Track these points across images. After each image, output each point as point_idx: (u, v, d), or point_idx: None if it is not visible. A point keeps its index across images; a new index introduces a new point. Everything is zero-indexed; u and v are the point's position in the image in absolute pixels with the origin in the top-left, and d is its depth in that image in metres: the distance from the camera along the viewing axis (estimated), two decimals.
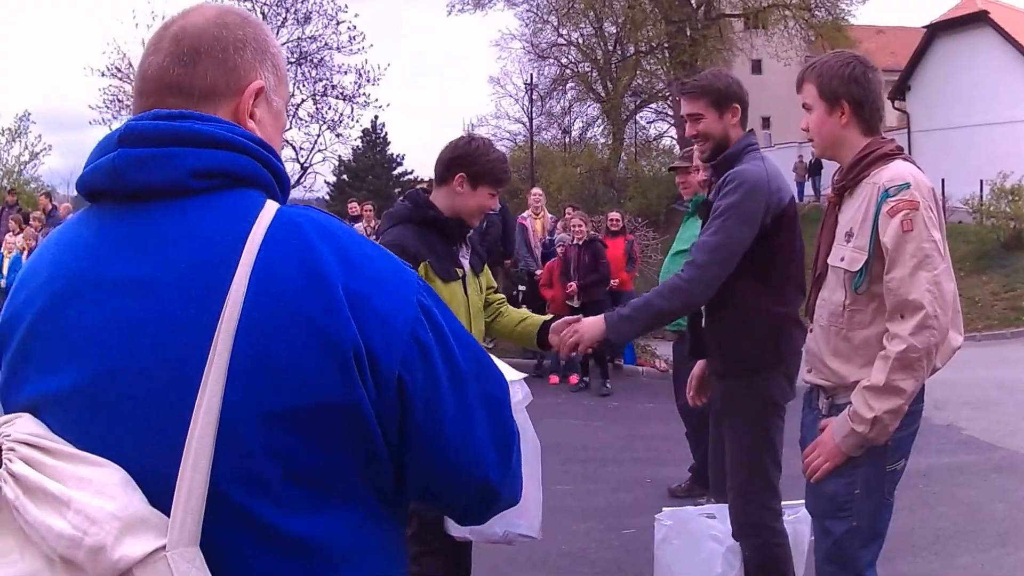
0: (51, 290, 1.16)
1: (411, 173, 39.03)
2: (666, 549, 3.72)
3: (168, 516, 1.02)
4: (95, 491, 1.02)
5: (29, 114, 32.59)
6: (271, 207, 1.14)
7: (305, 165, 25.72)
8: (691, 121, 3.34)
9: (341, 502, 1.13)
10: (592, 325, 3.13)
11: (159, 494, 1.03)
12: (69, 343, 1.13)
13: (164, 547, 1.01)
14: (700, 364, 3.62)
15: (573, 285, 9.52)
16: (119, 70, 23.95)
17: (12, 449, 1.06)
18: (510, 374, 1.44)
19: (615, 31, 29.27)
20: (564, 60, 30.77)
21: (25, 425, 1.10)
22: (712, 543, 3.50)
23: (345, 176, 36.66)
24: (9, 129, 31.71)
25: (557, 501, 5.39)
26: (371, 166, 38.42)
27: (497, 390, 1.27)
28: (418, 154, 63.34)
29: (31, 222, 15.18)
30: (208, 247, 1.10)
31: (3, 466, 1.05)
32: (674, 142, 30.90)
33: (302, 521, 1.10)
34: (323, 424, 1.09)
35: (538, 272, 10.63)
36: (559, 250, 10.04)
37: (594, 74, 30.40)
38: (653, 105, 31.26)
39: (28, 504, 1.02)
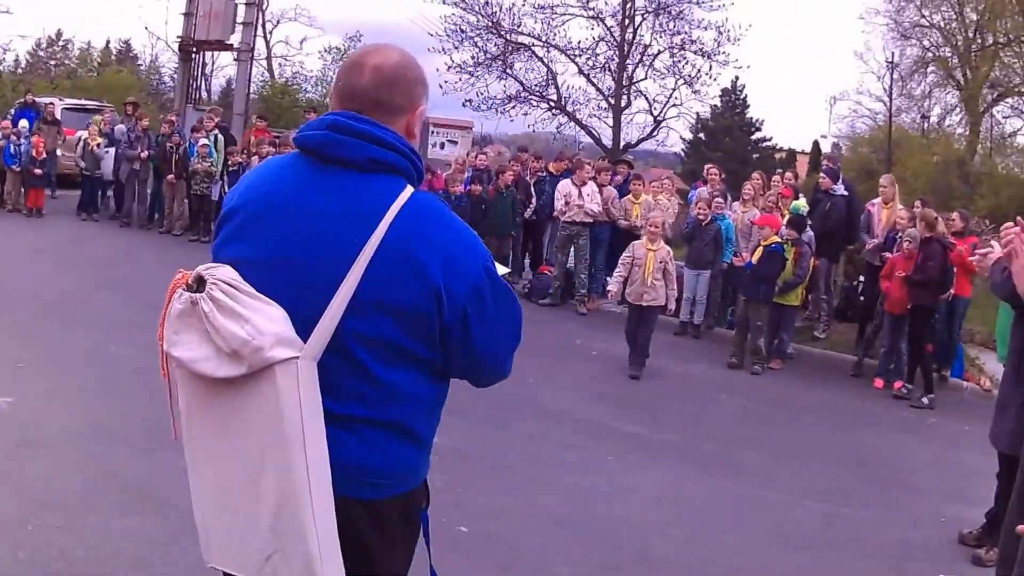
0: (268, 199, 1.86)
1: (769, 140, 37.36)
2: None
3: (305, 343, 1.72)
4: (266, 318, 1.70)
5: (361, 35, 31.21)
6: (409, 189, 1.84)
7: (658, 118, 24.55)
8: None
9: (405, 365, 1.83)
10: None
11: (303, 332, 1.73)
12: (270, 231, 1.82)
13: (298, 357, 1.69)
14: None
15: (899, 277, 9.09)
16: (463, 0, 23.78)
17: (215, 283, 1.72)
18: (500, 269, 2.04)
19: (975, 18, 26.74)
20: (926, 42, 28.52)
21: (226, 271, 1.77)
22: None
23: (702, 135, 34.92)
24: (337, 48, 30.87)
25: (852, 531, 5.56)
26: (728, 127, 36.24)
27: (517, 324, 1.98)
28: (777, 121, 61.28)
29: None
30: (372, 201, 1.79)
31: (205, 291, 1.71)
32: None
33: (378, 367, 1.79)
34: (405, 319, 1.78)
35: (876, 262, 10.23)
36: (906, 245, 9.27)
37: (954, 60, 27.91)
38: (1009, 100, 27.86)
39: (218, 315, 1.68)
